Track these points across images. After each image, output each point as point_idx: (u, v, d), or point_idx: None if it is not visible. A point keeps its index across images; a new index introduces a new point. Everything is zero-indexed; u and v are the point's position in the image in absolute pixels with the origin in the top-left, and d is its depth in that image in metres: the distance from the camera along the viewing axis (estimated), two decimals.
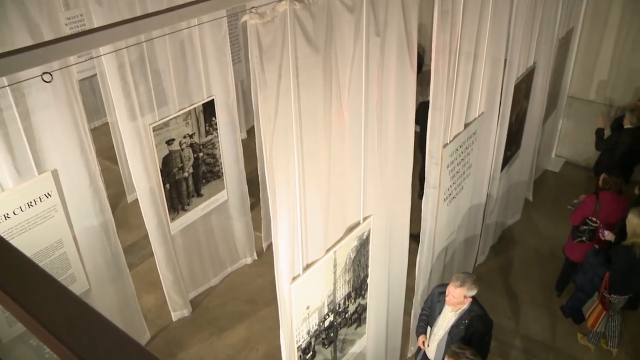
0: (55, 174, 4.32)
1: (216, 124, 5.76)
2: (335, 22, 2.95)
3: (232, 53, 5.87)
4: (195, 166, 5.72)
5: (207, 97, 5.56)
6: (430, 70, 4.06)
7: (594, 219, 5.85)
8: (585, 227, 5.91)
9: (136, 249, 7.17)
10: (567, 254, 6.30)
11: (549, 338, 6.18)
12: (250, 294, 6.60)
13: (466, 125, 4.94)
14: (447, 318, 4.29)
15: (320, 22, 2.83)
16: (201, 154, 5.73)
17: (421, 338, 4.53)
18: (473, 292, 4.08)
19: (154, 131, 5.12)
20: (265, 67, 2.59)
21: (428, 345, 4.48)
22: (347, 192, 3.46)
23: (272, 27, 2.55)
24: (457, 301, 4.10)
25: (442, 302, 4.33)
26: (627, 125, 7.29)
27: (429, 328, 4.48)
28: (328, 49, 2.96)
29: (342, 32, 3.03)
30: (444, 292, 4.26)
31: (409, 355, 5.71)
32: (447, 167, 4.70)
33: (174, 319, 6.20)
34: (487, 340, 4.24)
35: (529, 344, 6.11)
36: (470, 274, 4.24)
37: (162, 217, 5.53)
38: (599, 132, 7.67)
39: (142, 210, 5.37)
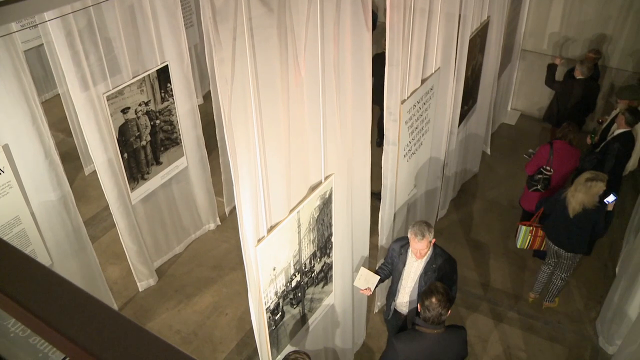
0: (7, 149, 4.18)
1: (171, 90, 5.66)
2: None
3: (183, 17, 5.74)
4: (153, 134, 5.63)
5: (161, 63, 5.44)
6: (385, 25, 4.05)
7: (548, 167, 6.00)
8: (539, 176, 6.06)
9: (97, 221, 7.07)
10: (522, 206, 6.47)
11: (510, 286, 6.39)
12: (215, 259, 6.61)
13: (423, 81, 4.96)
14: (413, 268, 4.37)
15: None
16: (158, 122, 5.64)
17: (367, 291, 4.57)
18: (433, 233, 4.20)
19: (108, 100, 5.00)
20: (220, 28, 2.54)
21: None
22: (308, 151, 3.46)
23: None
24: (426, 251, 4.22)
25: (404, 255, 4.40)
26: (578, 76, 7.44)
27: (399, 283, 4.54)
28: (282, 7, 2.91)
29: None
30: (405, 245, 4.34)
31: (376, 310, 5.84)
32: (406, 123, 4.73)
33: (140, 289, 6.18)
34: (455, 279, 4.43)
35: (492, 293, 6.31)
36: (419, 221, 4.30)
37: (122, 187, 5.46)
38: (552, 67, 7.79)
39: (101, 182, 5.28)
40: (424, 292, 3.71)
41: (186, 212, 6.57)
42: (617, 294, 5.54)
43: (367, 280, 4.49)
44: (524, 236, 5.95)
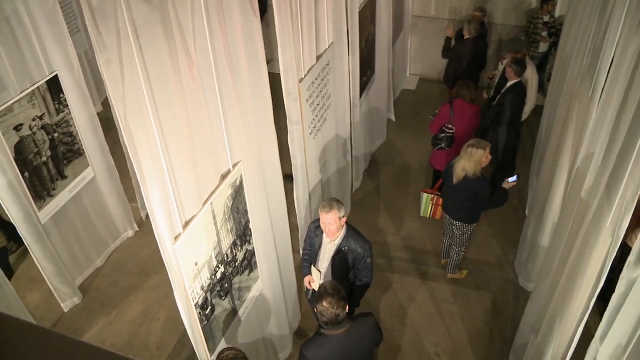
0: None
1: (66, 100, 5.46)
2: None
3: (67, 23, 5.54)
4: (53, 148, 5.42)
5: (50, 74, 5.23)
6: None
7: (450, 125, 6.24)
8: (442, 134, 6.30)
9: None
10: (432, 164, 6.71)
11: (431, 245, 6.64)
12: (139, 265, 6.48)
13: (318, 57, 5.02)
14: (327, 249, 4.43)
15: None
16: (56, 134, 5.43)
17: (307, 279, 4.62)
18: (343, 211, 4.21)
19: None
20: (102, 29, 2.47)
21: (313, 283, 4.60)
22: (213, 142, 3.44)
23: None
24: (335, 227, 4.22)
25: (319, 237, 4.46)
26: (466, 35, 7.74)
27: (312, 267, 4.60)
28: (164, 3, 2.86)
29: None
30: (319, 226, 4.36)
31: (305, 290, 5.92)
32: (307, 101, 4.78)
33: (65, 310, 5.98)
34: (369, 262, 4.41)
35: (416, 254, 6.53)
36: (331, 197, 4.36)
37: (28, 208, 5.24)
38: (447, 41, 8.09)
39: (3, 206, 5.06)
40: (315, 297, 3.57)
41: (101, 222, 6.39)
42: (528, 234, 5.88)
43: (316, 277, 4.54)
44: (425, 204, 6.15)
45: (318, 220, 4.37)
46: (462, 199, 5.44)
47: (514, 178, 5.42)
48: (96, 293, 6.21)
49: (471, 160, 5.17)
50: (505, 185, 5.44)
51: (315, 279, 4.52)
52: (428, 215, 6.23)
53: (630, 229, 4.11)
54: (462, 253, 5.99)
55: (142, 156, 2.82)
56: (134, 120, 2.74)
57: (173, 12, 2.94)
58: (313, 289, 4.60)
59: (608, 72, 3.61)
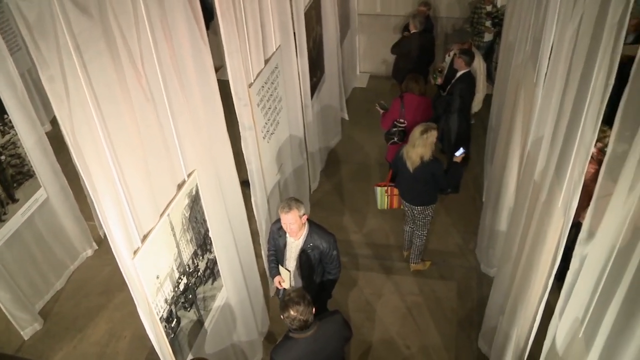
0: None
1: (11, 122, 5.31)
2: None
3: (7, 41, 5.41)
4: (0, 171, 5.27)
5: None
6: None
7: (402, 120, 6.32)
8: (394, 129, 6.37)
9: None
10: (388, 159, 6.78)
11: (393, 240, 6.70)
12: (101, 285, 6.36)
13: (266, 62, 5.02)
14: (293, 248, 4.44)
15: None
16: (3, 157, 5.28)
17: (277, 279, 4.63)
18: (303, 209, 4.23)
19: None
20: (41, 45, 2.40)
21: (284, 283, 4.62)
22: (166, 153, 3.39)
23: (35, 1, 2.36)
24: (297, 226, 4.23)
25: (282, 237, 4.46)
26: (412, 30, 7.86)
27: (280, 267, 4.61)
28: (105, 16, 2.80)
29: None
30: (282, 227, 4.37)
31: (272, 294, 5.90)
32: (258, 105, 4.77)
33: (26, 338, 5.81)
34: (336, 255, 4.45)
35: (379, 250, 6.58)
36: (290, 197, 4.37)
37: None
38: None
39: None
40: (280, 306, 3.57)
41: (58, 244, 6.24)
42: (487, 221, 5.99)
43: (286, 276, 4.54)
44: (381, 197, 6.20)
45: (279, 220, 4.37)
46: (421, 184, 5.51)
47: (460, 151, 5.55)
48: (58, 317, 6.06)
49: (426, 146, 5.26)
50: (455, 160, 5.57)
51: (286, 279, 4.55)
52: (386, 207, 6.28)
53: (582, 208, 4.22)
54: (425, 238, 6.06)
55: (94, 173, 2.77)
56: (83, 136, 2.69)
57: (116, 25, 2.89)
58: (284, 289, 4.63)
59: (550, 58, 3.71)
